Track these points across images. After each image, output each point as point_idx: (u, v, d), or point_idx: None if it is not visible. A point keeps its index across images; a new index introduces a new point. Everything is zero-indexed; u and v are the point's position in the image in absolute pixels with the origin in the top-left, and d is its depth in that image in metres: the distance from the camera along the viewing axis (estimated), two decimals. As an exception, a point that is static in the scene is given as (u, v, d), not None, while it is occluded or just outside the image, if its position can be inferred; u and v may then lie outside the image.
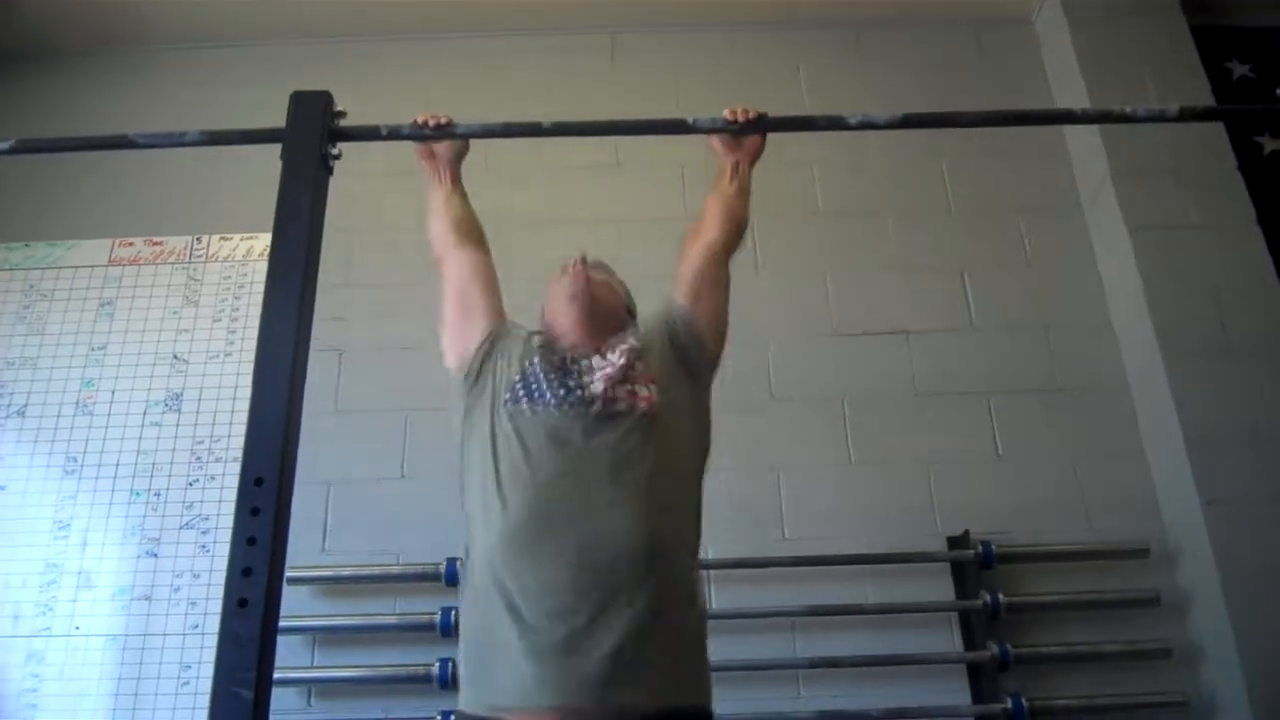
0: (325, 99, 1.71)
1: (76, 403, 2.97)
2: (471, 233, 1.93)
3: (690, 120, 1.90)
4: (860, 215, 3.27)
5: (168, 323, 3.09)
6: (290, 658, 2.62)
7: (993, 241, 3.24)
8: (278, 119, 1.70)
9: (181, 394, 2.98)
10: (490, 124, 1.93)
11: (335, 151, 1.71)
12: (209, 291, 3.14)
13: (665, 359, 1.79)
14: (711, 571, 2.68)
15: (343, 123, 1.73)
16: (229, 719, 1.22)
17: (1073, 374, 3.03)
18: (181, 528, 2.81)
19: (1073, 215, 3.27)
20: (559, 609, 1.53)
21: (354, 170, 1.84)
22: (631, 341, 1.76)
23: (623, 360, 1.71)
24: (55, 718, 2.61)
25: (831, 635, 2.69)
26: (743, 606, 2.67)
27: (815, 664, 2.65)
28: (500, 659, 1.54)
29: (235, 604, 1.29)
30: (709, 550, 2.45)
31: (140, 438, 2.93)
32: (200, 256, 3.20)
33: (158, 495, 2.85)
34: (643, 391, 1.70)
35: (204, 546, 2.79)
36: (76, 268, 3.18)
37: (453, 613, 2.62)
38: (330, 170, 1.70)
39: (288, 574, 1.42)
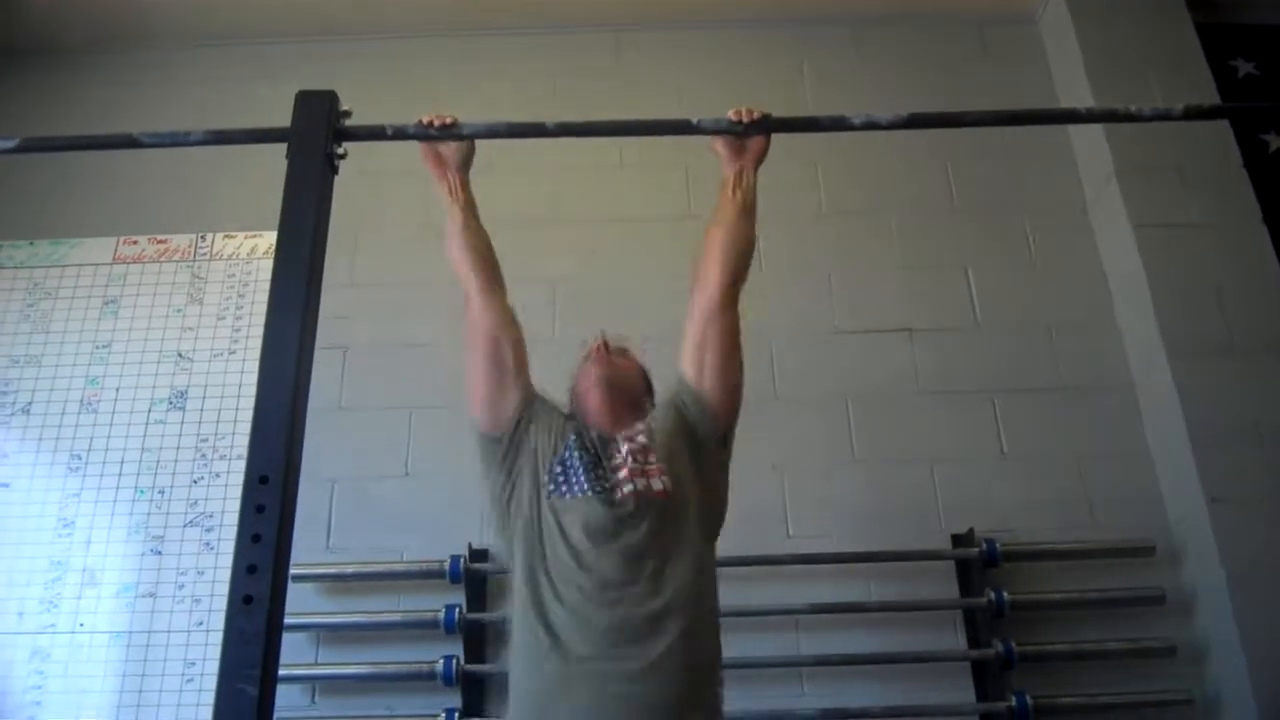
0: (331, 98, 1.71)
1: (81, 400, 2.98)
2: (495, 276, 1.95)
3: (695, 121, 1.89)
4: (864, 214, 3.27)
5: (172, 321, 3.09)
6: (294, 655, 2.62)
7: (997, 240, 3.23)
8: (283, 118, 1.70)
9: (186, 392, 2.99)
10: (495, 124, 1.93)
11: (340, 151, 1.71)
12: (213, 289, 3.15)
13: (674, 439, 1.86)
14: (716, 569, 2.68)
15: (348, 122, 1.73)
16: (234, 715, 1.22)
17: (1077, 372, 3.03)
18: (186, 525, 2.82)
19: (1077, 214, 3.26)
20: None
21: (359, 169, 1.84)
22: (641, 439, 1.84)
23: (632, 461, 1.80)
24: (60, 714, 2.61)
25: (835, 633, 2.69)
26: (746, 604, 2.67)
27: (819, 662, 2.66)
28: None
29: (240, 600, 1.29)
30: (713, 548, 2.45)
31: (145, 435, 2.93)
32: (205, 255, 3.20)
33: (162, 493, 2.86)
34: (656, 486, 1.78)
35: (208, 544, 2.79)
36: (81, 266, 3.19)
37: (456, 610, 2.63)
38: (335, 170, 1.69)
39: (292, 571, 1.41)
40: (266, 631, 1.27)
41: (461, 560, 2.68)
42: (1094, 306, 3.12)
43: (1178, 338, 2.86)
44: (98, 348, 3.06)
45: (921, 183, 3.32)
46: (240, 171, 2.98)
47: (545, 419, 1.90)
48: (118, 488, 2.86)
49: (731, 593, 2.73)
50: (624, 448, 1.82)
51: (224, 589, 1.31)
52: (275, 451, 1.39)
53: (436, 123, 1.86)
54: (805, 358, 3.04)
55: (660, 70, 3.49)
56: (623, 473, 1.79)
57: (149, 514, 2.83)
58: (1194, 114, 2.07)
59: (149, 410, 2.97)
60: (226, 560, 1.34)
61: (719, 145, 1.94)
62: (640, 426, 1.87)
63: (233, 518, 1.34)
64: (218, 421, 2.95)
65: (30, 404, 2.98)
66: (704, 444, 1.88)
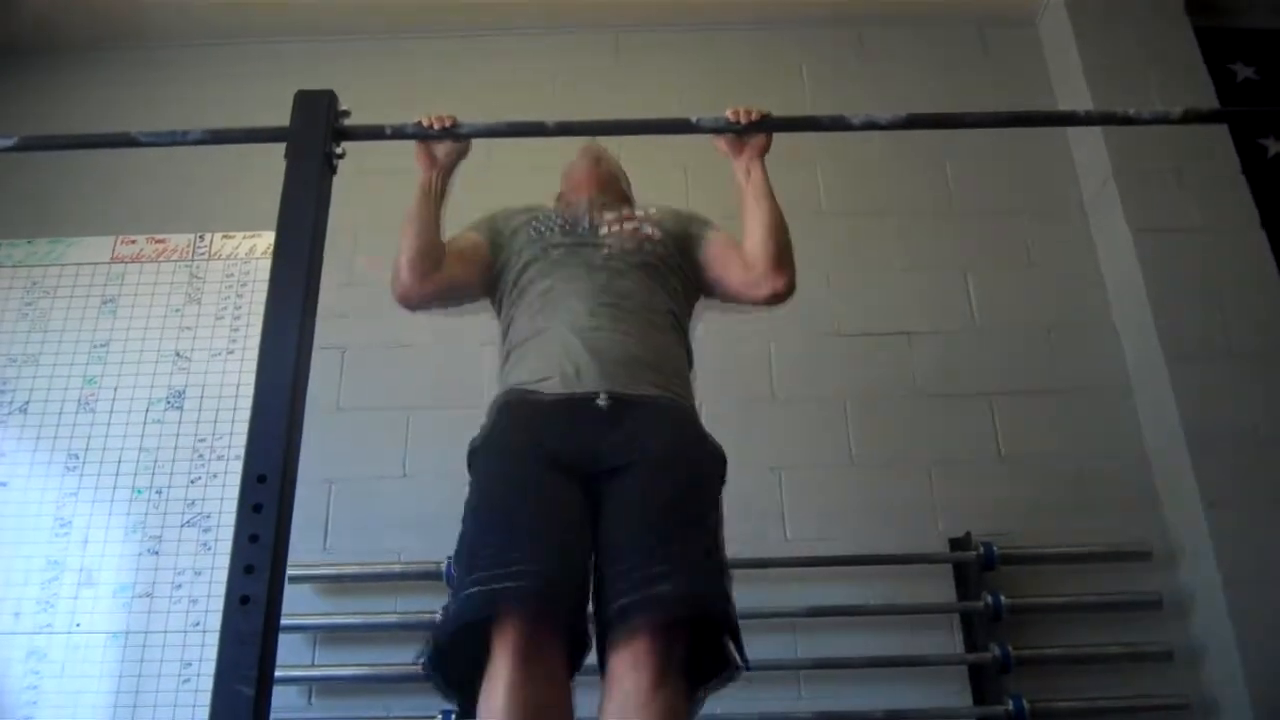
0: (329, 98, 1.71)
1: (78, 400, 2.97)
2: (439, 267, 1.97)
3: (694, 120, 1.90)
4: (863, 215, 3.27)
5: (170, 320, 3.08)
6: (291, 656, 2.62)
7: (995, 242, 3.23)
8: (282, 118, 1.70)
9: (184, 391, 2.98)
10: (494, 123, 1.94)
11: (339, 151, 1.71)
12: (212, 289, 3.14)
13: (670, 236, 1.98)
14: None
15: (347, 122, 1.73)
16: (230, 716, 1.22)
17: (1075, 375, 3.03)
18: (183, 525, 2.81)
19: (1075, 217, 3.27)
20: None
21: (358, 168, 1.84)
22: (628, 220, 1.98)
23: (617, 226, 1.95)
24: (56, 714, 2.61)
25: (833, 636, 2.69)
26: (744, 607, 2.61)
27: (816, 665, 2.65)
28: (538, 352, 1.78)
29: (237, 601, 1.29)
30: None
31: (142, 435, 2.92)
32: (203, 254, 3.19)
33: (159, 492, 2.85)
34: (645, 230, 1.94)
35: (206, 544, 2.78)
36: (79, 265, 3.18)
37: (454, 611, 2.62)
38: (334, 170, 1.70)
39: (289, 572, 1.41)
40: (263, 632, 1.27)
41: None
42: (1092, 309, 3.13)
43: (1175, 341, 2.86)
44: (95, 347, 3.05)
45: (920, 185, 3.32)
46: (239, 171, 2.98)
47: (515, 219, 2.00)
48: (115, 487, 2.85)
49: (729, 594, 2.76)
50: (607, 216, 1.97)
51: (221, 589, 1.31)
52: (273, 451, 1.39)
53: (436, 123, 1.86)
54: (803, 359, 3.04)
55: (660, 70, 3.49)
56: (604, 228, 1.94)
57: (146, 514, 2.82)
58: (1193, 118, 2.08)
59: (146, 410, 2.96)
60: (224, 561, 1.34)
61: (721, 143, 1.97)
62: (627, 211, 2.02)
63: (230, 518, 1.34)
64: (215, 421, 2.94)
65: (28, 403, 2.97)
66: (689, 260, 1.99)
